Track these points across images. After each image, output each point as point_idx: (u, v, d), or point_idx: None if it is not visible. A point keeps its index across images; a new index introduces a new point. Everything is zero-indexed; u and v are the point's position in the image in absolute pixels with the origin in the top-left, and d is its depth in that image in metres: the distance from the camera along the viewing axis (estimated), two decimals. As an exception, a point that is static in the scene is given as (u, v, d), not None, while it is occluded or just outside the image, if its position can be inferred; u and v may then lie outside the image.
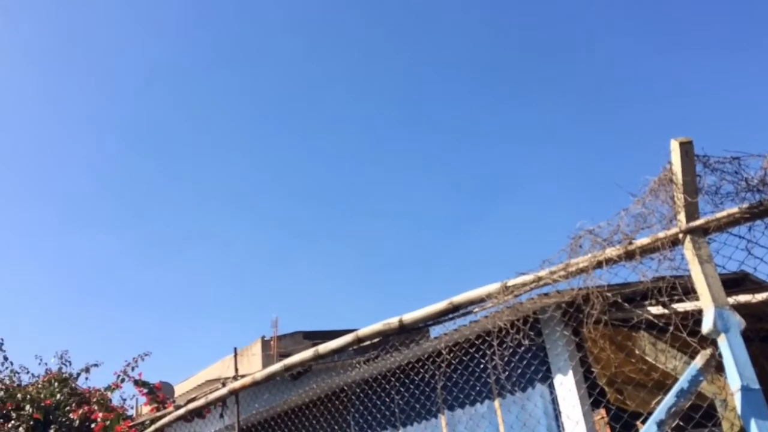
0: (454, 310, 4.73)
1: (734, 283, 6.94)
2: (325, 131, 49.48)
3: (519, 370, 5.45)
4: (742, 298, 4.53)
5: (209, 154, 48.13)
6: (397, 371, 6.52)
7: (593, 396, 4.99)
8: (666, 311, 4.11)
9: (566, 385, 5.35)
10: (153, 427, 7.65)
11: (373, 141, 50.45)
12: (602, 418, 7.00)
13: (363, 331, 5.21)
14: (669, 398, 3.01)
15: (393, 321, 4.99)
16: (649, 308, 4.38)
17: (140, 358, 9.99)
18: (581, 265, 3.97)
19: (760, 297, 4.76)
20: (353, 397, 7.37)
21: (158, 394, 8.96)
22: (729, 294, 4.92)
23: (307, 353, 5.70)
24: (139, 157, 46.90)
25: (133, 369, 9.92)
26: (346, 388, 7.37)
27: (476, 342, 5.36)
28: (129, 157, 45.60)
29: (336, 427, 7.61)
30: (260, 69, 46.50)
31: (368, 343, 5.48)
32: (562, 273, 4.07)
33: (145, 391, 9.17)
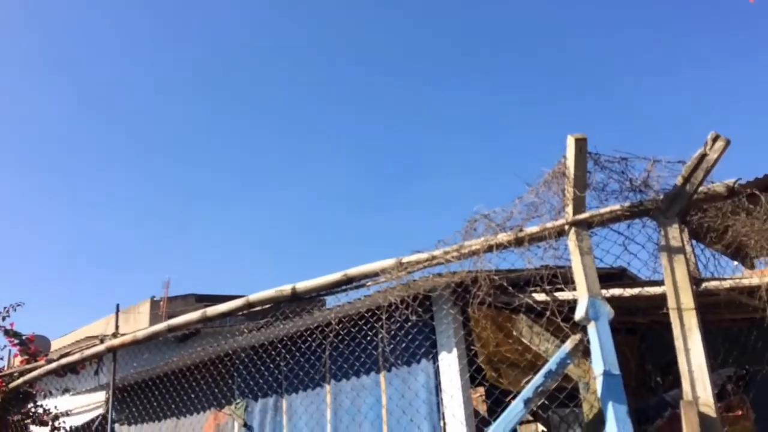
0: (347, 282, 4.76)
1: (613, 276, 7.42)
2: (240, 97, 48.04)
3: (405, 345, 5.58)
4: (615, 291, 4.84)
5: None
6: (286, 339, 6.49)
7: (475, 374, 5.19)
8: (547, 297, 4.33)
9: (449, 362, 5.54)
10: (21, 380, 7.24)
11: (298, 120, 49.58)
12: (480, 395, 7.31)
13: (254, 296, 5.14)
14: (537, 378, 3.18)
15: (286, 288, 4.95)
16: (534, 294, 4.62)
17: (12, 308, 9.36)
18: (474, 248, 4.10)
19: (630, 291, 5.11)
20: (239, 362, 7.28)
21: (30, 346, 8.43)
22: (604, 286, 5.26)
23: (193, 315, 5.56)
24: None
25: (3, 319, 9.28)
26: (232, 353, 7.27)
27: (366, 315, 5.42)
28: None
29: (218, 392, 7.50)
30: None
31: (259, 309, 5.41)
32: (455, 254, 4.18)
33: (16, 342, 8.60)
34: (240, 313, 5.49)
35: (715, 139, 3.40)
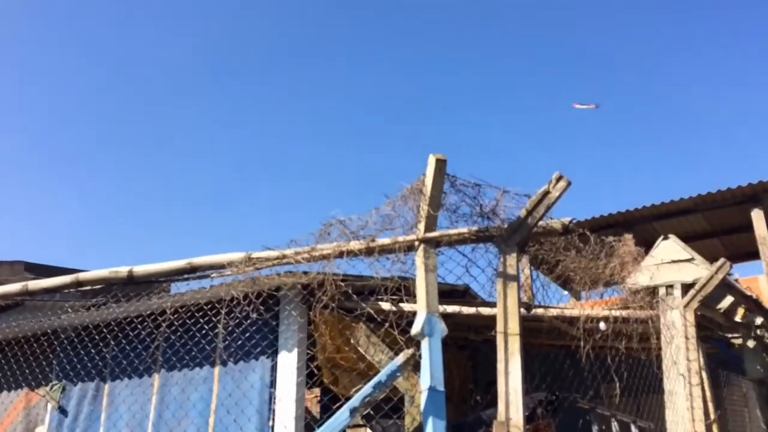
0: (191, 271, 4.57)
1: (457, 293, 7.77)
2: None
3: (245, 341, 5.44)
4: (454, 308, 5.05)
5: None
6: (114, 324, 6.09)
7: (314, 374, 5.18)
8: (390, 308, 4.43)
9: (287, 362, 5.49)
10: None
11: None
12: (315, 396, 7.31)
13: (85, 275, 4.78)
14: (366, 388, 3.22)
15: (122, 270, 4.65)
16: (381, 303, 4.70)
17: None
18: (325, 252, 4.09)
19: (468, 310, 5.37)
20: (60, 342, 6.72)
21: None
22: (446, 302, 5.48)
23: (13, 286, 5.07)
24: None
25: None
26: (52, 331, 6.69)
27: (205, 307, 5.23)
28: None
29: (34, 372, 6.88)
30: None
31: (89, 288, 5.03)
32: (306, 255, 4.15)
33: None
34: (68, 290, 5.08)
35: (558, 179, 3.65)
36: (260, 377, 5.61)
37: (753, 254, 12.22)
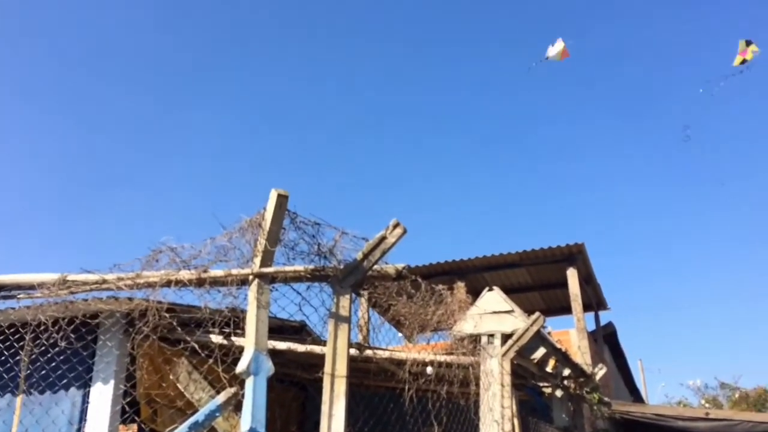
0: (-6, 289, 4.09)
1: (293, 329, 7.66)
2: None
3: (50, 372, 4.94)
4: (286, 345, 4.97)
5: None
6: None
7: (130, 410, 4.80)
8: (218, 342, 4.25)
9: (101, 394, 5.07)
10: None
11: None
12: (131, 433, 6.75)
13: None
14: (182, 428, 3.04)
15: None
16: (212, 335, 4.50)
17: None
18: (151, 279, 3.86)
19: (301, 348, 5.32)
20: None
21: None
22: (279, 338, 5.38)
23: None
24: None
25: None
26: None
27: (7, 330, 4.68)
28: None
29: None
30: None
31: None
32: (130, 282, 3.89)
33: None
34: None
35: (395, 226, 3.77)
36: (65, 410, 5.11)
37: (566, 309, 13.43)
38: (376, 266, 3.83)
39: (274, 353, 5.40)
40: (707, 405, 17.41)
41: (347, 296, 3.68)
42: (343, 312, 3.63)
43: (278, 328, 6.68)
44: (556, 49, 11.20)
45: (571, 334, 12.17)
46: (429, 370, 5.60)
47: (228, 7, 39.97)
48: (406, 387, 4.63)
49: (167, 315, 3.75)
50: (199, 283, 3.78)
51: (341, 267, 3.72)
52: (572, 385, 8.57)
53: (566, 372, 8.11)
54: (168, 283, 3.75)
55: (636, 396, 18.89)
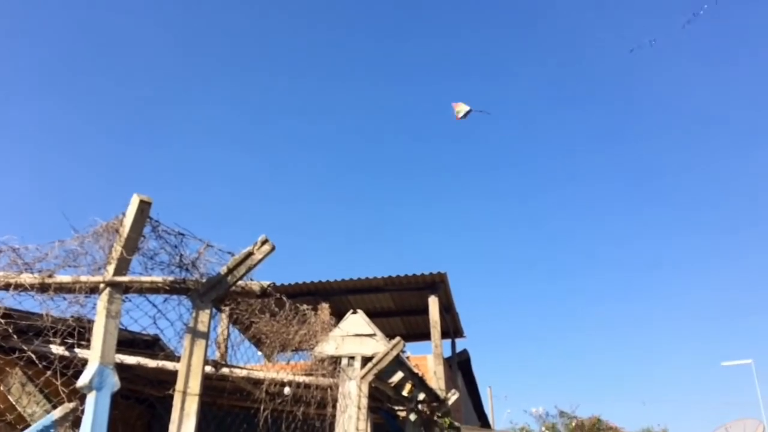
0: None
1: (146, 343, 7.25)
2: None
3: None
4: (133, 360, 4.69)
5: None
6: None
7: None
8: (58, 353, 3.93)
9: None
10: None
11: None
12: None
13: None
14: (7, 446, 2.76)
15: None
16: (52, 347, 4.13)
17: None
18: (-14, 281, 3.50)
19: (152, 364, 5.04)
20: None
21: None
22: (126, 353, 5.07)
23: None
24: None
25: None
26: None
27: None
28: None
29: None
30: None
31: None
32: (-41, 282, 3.50)
33: None
34: None
35: (264, 242, 3.71)
36: None
37: (426, 335, 13.83)
38: (240, 282, 3.74)
39: (121, 367, 5.07)
40: (546, 431, 18.57)
41: (207, 311, 3.56)
42: (202, 327, 3.50)
43: (129, 341, 6.29)
44: (462, 109, 11.91)
45: (428, 360, 12.53)
46: (287, 390, 5.52)
47: None
48: (262, 407, 4.52)
49: (2, 321, 3.41)
50: (43, 288, 3.48)
51: (203, 281, 3.59)
52: (426, 409, 8.80)
53: (421, 396, 8.32)
54: (6, 287, 3.42)
55: (483, 421, 19.76)
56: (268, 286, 3.84)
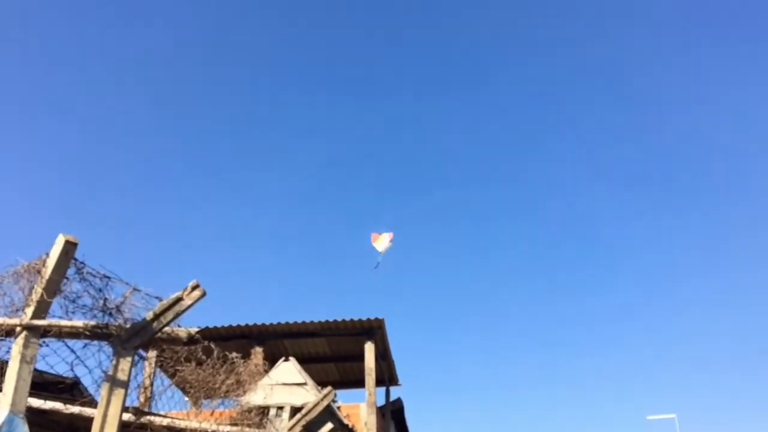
0: None
1: (62, 385, 6.88)
2: None
3: None
4: (47, 405, 4.47)
5: None
6: None
7: None
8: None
9: None
10: None
11: None
12: None
13: None
14: None
15: None
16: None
17: None
18: None
19: (67, 411, 4.80)
20: None
21: None
22: (44, 397, 4.82)
23: None
24: None
25: None
26: None
27: None
28: None
29: None
30: None
31: None
32: None
33: None
34: None
35: (194, 287, 3.64)
36: None
37: (360, 382, 13.67)
38: (167, 328, 3.64)
39: (35, 412, 4.82)
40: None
41: (128, 359, 3.44)
42: (122, 376, 3.38)
43: (44, 384, 5.97)
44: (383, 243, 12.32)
45: (361, 408, 12.36)
46: (212, 440, 5.34)
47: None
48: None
49: None
50: (-46, 329, 3.30)
51: (127, 326, 3.49)
52: (355, 461, 8.66)
53: (351, 447, 8.19)
54: None
55: (416, 472, 19.49)
56: (196, 333, 3.76)
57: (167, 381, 5.82)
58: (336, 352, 14.27)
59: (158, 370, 7.21)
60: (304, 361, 6.99)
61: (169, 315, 3.58)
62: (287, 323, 12.48)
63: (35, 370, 3.68)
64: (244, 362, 5.00)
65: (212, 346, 4.16)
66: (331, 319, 12.54)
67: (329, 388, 5.96)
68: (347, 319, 12.53)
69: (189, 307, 3.64)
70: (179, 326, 3.80)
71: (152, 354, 7.34)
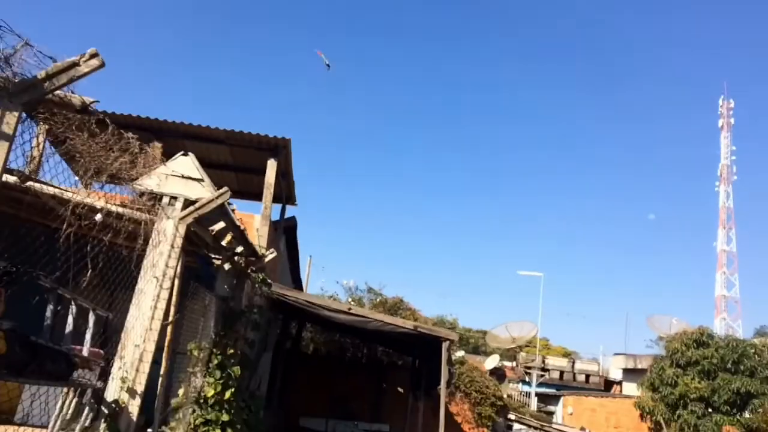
0: None
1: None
2: None
3: None
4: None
5: None
6: None
7: None
8: None
9: None
10: None
11: None
12: None
13: None
14: None
15: None
16: None
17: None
18: None
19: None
20: None
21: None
22: None
23: None
24: None
25: None
26: None
27: None
28: None
29: None
30: None
31: None
32: None
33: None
34: None
35: (93, 55, 3.48)
36: None
37: (258, 195, 13.92)
38: (59, 92, 3.51)
39: None
40: (352, 303, 20.01)
41: (16, 113, 3.32)
42: (6, 129, 3.28)
43: None
44: None
45: (255, 219, 12.72)
46: (98, 217, 5.38)
47: None
48: (64, 227, 4.39)
49: None
50: None
51: (15, 80, 3.32)
52: (242, 262, 9.06)
53: (239, 249, 8.53)
54: None
55: (298, 285, 20.75)
56: (91, 102, 3.65)
57: (53, 151, 5.65)
58: (238, 162, 14.28)
59: (47, 143, 6.98)
60: (204, 166, 6.91)
61: (63, 78, 3.43)
62: (191, 124, 12.22)
63: None
64: (141, 150, 4.94)
65: (107, 121, 4.05)
66: (238, 130, 12.40)
67: (225, 188, 6.05)
68: (254, 132, 12.43)
69: (85, 74, 3.50)
70: (73, 93, 3.66)
71: (42, 130, 7.05)
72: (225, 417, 8.22)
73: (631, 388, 26.45)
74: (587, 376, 29.81)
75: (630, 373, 27.97)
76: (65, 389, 4.62)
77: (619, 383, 29.42)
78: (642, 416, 21.99)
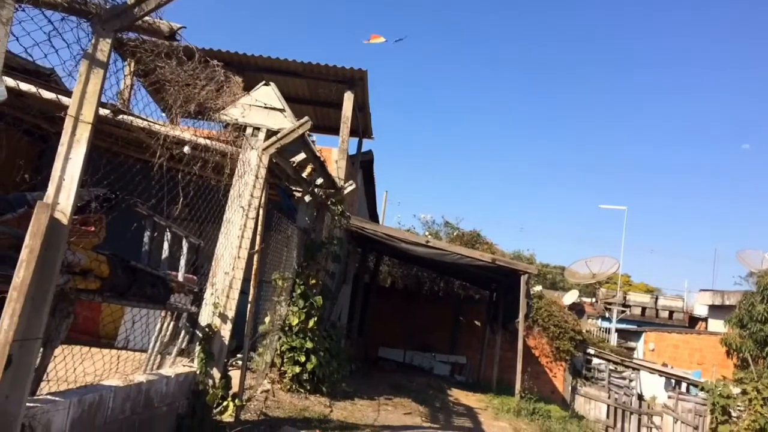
0: None
1: (38, 74, 6.82)
2: None
3: None
4: (25, 86, 4.44)
5: None
6: None
7: None
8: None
9: None
10: None
11: None
12: None
13: None
14: None
15: None
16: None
17: None
18: None
19: (47, 95, 4.78)
20: None
21: None
22: (21, 80, 4.77)
23: None
24: None
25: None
26: None
27: None
28: None
29: None
30: None
31: None
32: None
33: None
34: None
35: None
36: None
37: (335, 130, 13.93)
38: (147, 18, 3.49)
39: (14, 94, 4.82)
40: (429, 236, 20.07)
41: (108, 40, 3.34)
42: (101, 56, 3.31)
43: (23, 69, 5.89)
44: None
45: (333, 152, 12.76)
46: (186, 149, 5.49)
47: None
48: (157, 158, 4.49)
49: None
50: None
51: (107, 6, 3.32)
52: (321, 194, 9.16)
53: (319, 181, 8.60)
54: None
55: (374, 220, 20.96)
56: (179, 28, 3.62)
57: (142, 85, 5.76)
58: (315, 96, 14.25)
59: (135, 78, 7.12)
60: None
61: (152, 3, 3.40)
62: (269, 57, 12.22)
63: (10, 53, 3.56)
64: (226, 78, 4.94)
65: (195, 48, 4.04)
66: (314, 62, 12.32)
67: (306, 118, 6.02)
68: (330, 64, 12.31)
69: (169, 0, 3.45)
70: (161, 19, 3.64)
71: (129, 67, 7.19)
72: (309, 344, 8.51)
73: (717, 325, 25.55)
74: (671, 313, 29.03)
75: (716, 310, 26.98)
76: (163, 313, 4.84)
77: (705, 320, 28.48)
78: (728, 353, 21.29)
